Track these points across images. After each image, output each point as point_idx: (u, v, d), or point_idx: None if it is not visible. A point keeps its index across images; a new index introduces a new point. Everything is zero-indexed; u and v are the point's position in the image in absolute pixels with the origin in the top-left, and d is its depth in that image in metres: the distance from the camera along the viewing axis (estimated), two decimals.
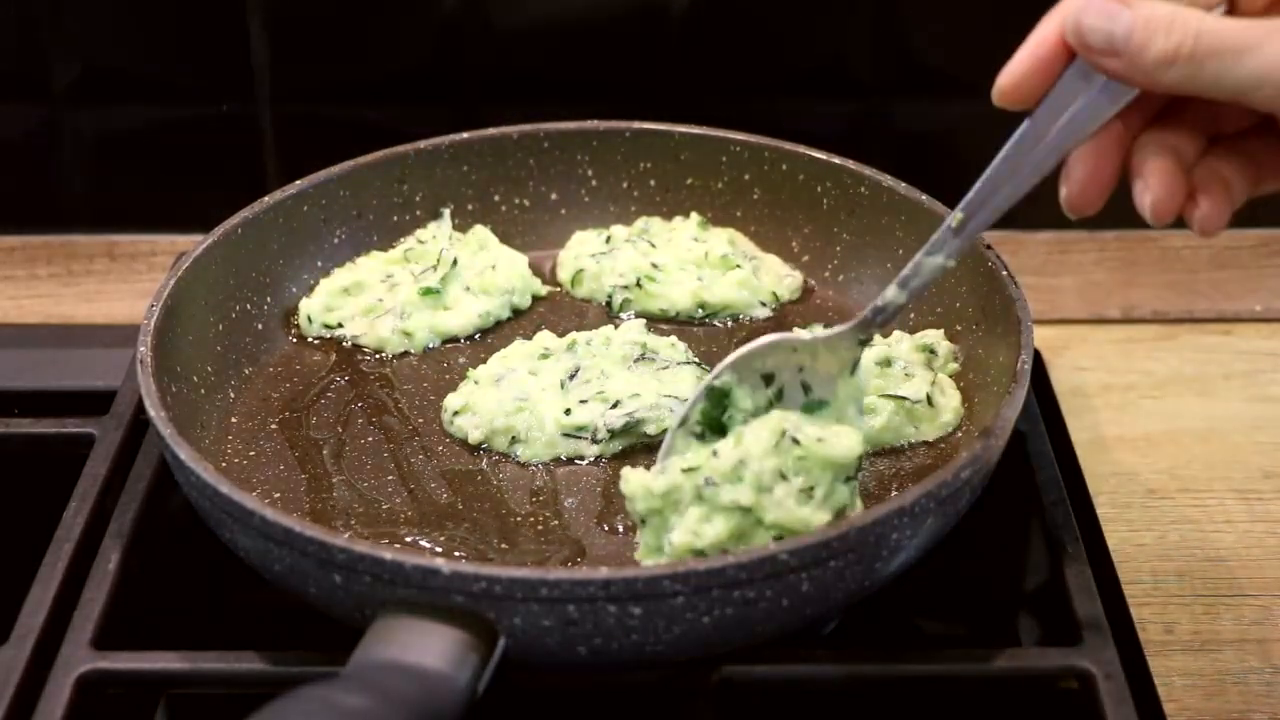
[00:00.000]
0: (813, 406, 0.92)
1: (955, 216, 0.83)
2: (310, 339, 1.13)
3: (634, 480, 0.90)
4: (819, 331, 0.92)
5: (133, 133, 1.33)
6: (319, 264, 1.16)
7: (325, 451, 1.03)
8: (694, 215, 1.19)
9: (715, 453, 0.88)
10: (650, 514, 0.90)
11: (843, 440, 0.88)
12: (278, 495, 0.99)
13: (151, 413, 0.93)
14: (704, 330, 1.14)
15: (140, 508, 1.00)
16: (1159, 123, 0.82)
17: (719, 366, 0.92)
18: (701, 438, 0.92)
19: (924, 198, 1.11)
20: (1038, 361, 1.14)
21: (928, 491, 0.86)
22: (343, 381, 1.09)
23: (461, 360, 1.11)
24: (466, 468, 1.01)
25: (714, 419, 0.92)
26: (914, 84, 1.30)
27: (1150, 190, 0.81)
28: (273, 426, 1.05)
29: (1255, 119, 0.81)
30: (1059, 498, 1.00)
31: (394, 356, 1.11)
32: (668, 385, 1.05)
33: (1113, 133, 0.81)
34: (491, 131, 1.20)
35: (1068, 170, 0.82)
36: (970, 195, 0.83)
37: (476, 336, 1.13)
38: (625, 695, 0.90)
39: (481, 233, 1.18)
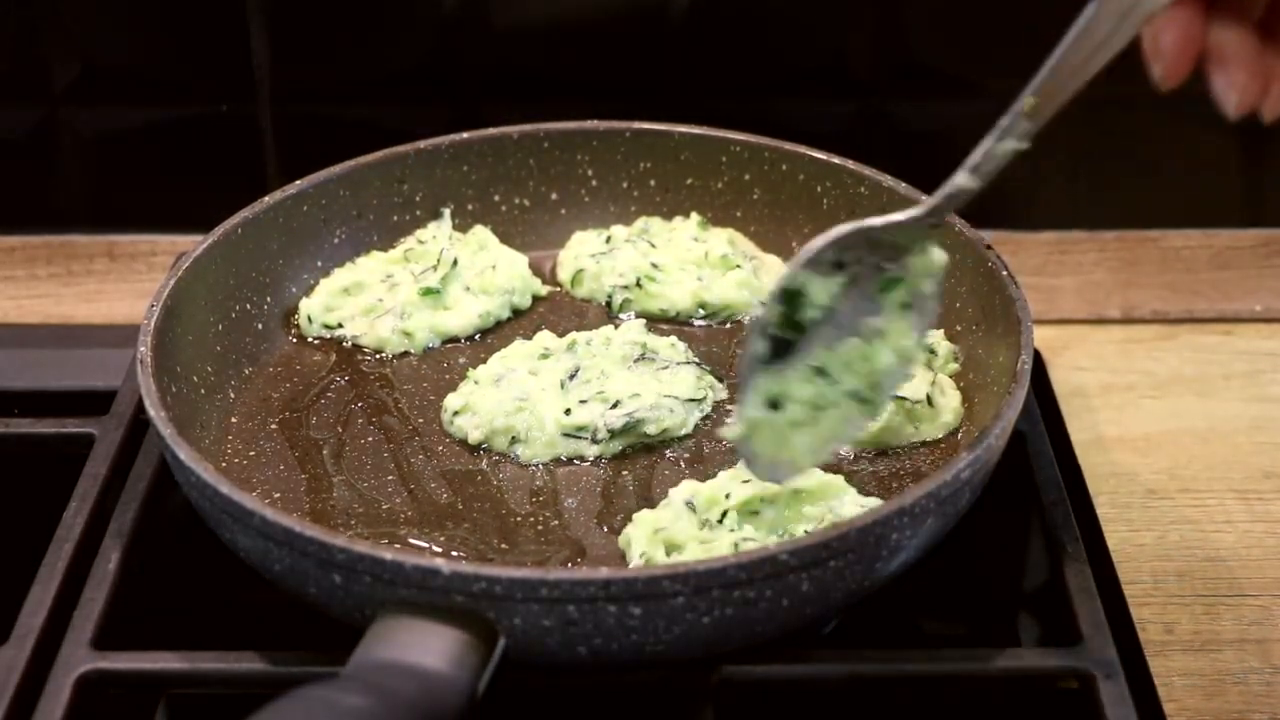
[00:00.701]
0: (888, 285, 0.89)
1: (1026, 101, 0.80)
2: (310, 339, 1.13)
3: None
4: (892, 216, 0.89)
5: (133, 133, 1.33)
6: (319, 264, 1.16)
7: (325, 451, 1.03)
8: (694, 215, 1.19)
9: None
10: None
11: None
12: (278, 495, 0.99)
13: (151, 413, 0.93)
14: (704, 330, 1.14)
15: (140, 508, 1.00)
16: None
17: (791, 264, 0.88)
18: (778, 341, 0.89)
19: (924, 198, 1.10)
20: (1038, 361, 1.14)
21: (928, 491, 0.86)
22: (343, 381, 1.09)
23: (461, 360, 1.11)
24: (466, 468, 1.01)
25: (789, 318, 0.90)
26: (914, 84, 1.30)
27: (1234, 83, 0.76)
28: (273, 426, 1.05)
29: None
30: (1059, 498, 1.00)
31: (394, 356, 1.11)
32: (668, 385, 1.05)
33: (1192, 6, 0.77)
34: (491, 131, 1.20)
35: (1154, 44, 0.77)
36: (1041, 77, 0.79)
37: (476, 336, 1.13)
38: (625, 695, 0.90)
39: (481, 233, 1.18)
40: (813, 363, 0.90)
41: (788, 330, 0.90)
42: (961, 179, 0.84)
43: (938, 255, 0.88)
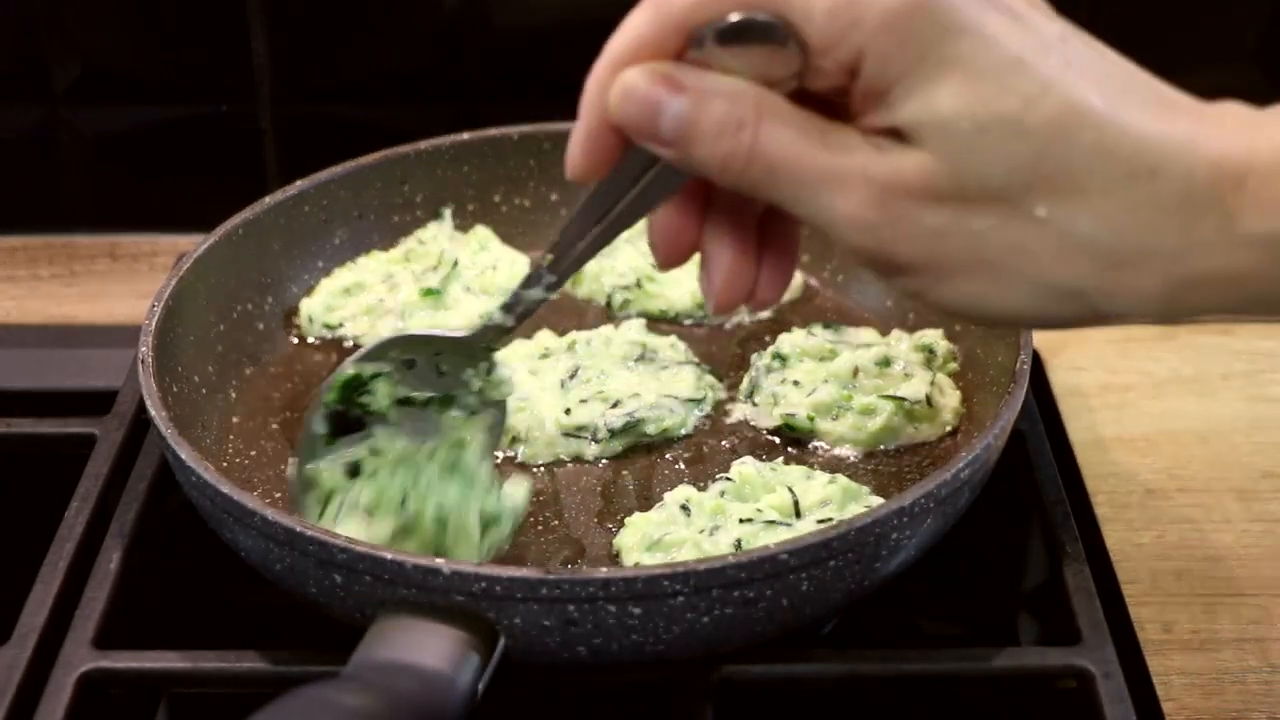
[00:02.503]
0: (445, 402, 0.91)
1: (546, 256, 0.81)
2: (311, 339, 1.13)
3: None
4: (448, 331, 0.93)
5: (133, 133, 1.33)
6: (320, 264, 1.16)
7: None
8: None
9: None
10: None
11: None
12: (278, 495, 0.99)
13: (152, 413, 0.93)
14: (704, 330, 1.14)
15: (141, 508, 1.00)
16: (722, 200, 0.76)
17: (351, 358, 0.90)
18: (333, 423, 0.90)
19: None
20: (1036, 362, 1.14)
21: (927, 491, 0.86)
22: None
23: None
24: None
25: (349, 403, 0.91)
26: None
27: (712, 286, 0.76)
28: (274, 426, 1.05)
29: None
30: (1058, 497, 1.00)
31: None
32: (668, 385, 1.05)
33: (685, 202, 0.76)
34: (492, 131, 1.20)
35: (649, 232, 0.77)
36: (555, 240, 0.80)
37: None
38: (625, 695, 0.90)
39: (482, 233, 1.19)
40: (352, 458, 0.91)
41: (352, 410, 0.91)
42: (497, 317, 0.86)
43: (501, 372, 0.91)
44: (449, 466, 0.91)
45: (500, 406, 0.92)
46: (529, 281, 0.83)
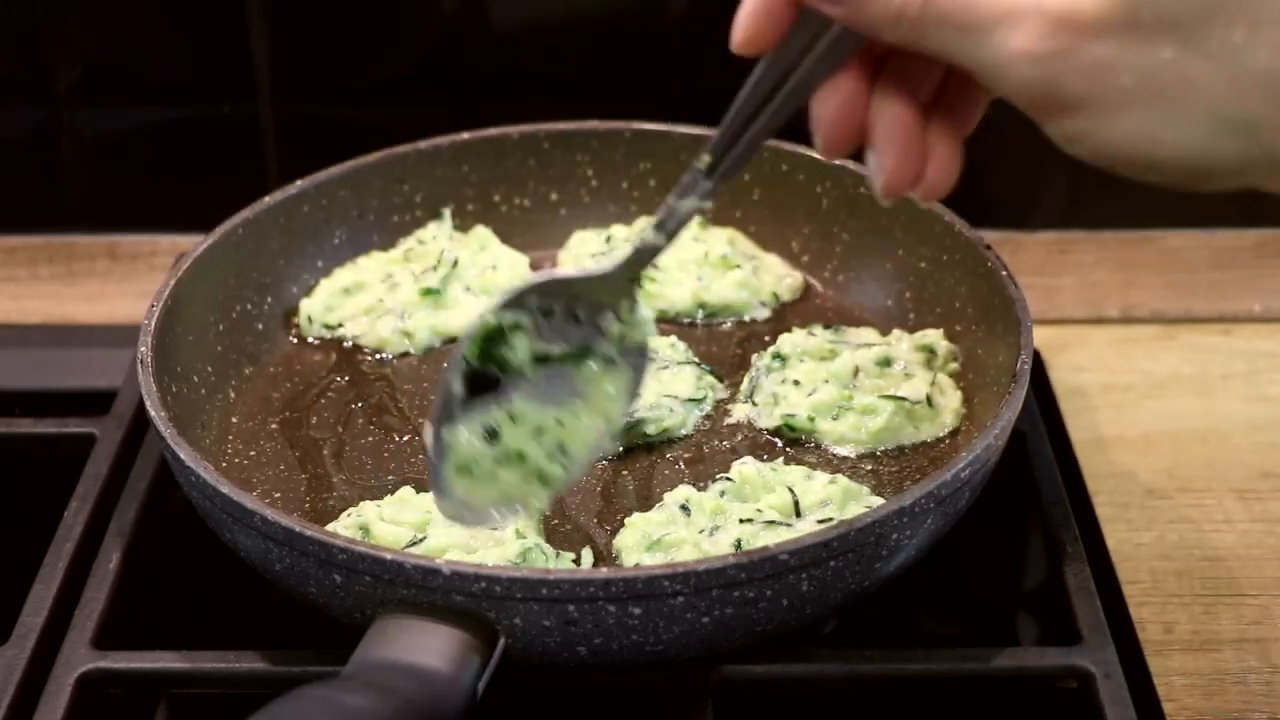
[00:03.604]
0: (581, 354, 0.88)
1: (703, 159, 0.80)
2: (310, 339, 1.13)
3: None
4: (588, 269, 0.89)
5: (133, 133, 1.33)
6: (319, 264, 1.16)
7: (325, 451, 1.03)
8: None
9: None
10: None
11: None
12: (278, 495, 0.99)
13: (152, 413, 0.93)
14: (704, 330, 1.14)
15: (141, 508, 1.00)
16: (893, 73, 0.76)
17: (490, 306, 0.86)
18: (472, 378, 0.87)
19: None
20: (1037, 362, 1.14)
21: (928, 491, 0.86)
22: (343, 381, 1.09)
23: None
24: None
25: (486, 358, 0.87)
26: None
27: (883, 165, 0.75)
28: (273, 426, 1.05)
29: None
30: (1058, 498, 1.00)
31: (394, 356, 1.12)
32: (668, 385, 1.05)
33: (855, 76, 0.75)
34: (491, 131, 1.20)
35: (814, 113, 0.76)
36: (715, 138, 0.79)
37: None
38: (625, 695, 0.90)
39: (482, 233, 1.19)
40: (489, 422, 0.88)
41: (489, 366, 0.88)
42: (649, 236, 0.83)
43: (642, 311, 0.87)
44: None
45: (642, 352, 0.88)
46: (684, 190, 0.80)
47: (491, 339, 0.87)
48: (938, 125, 0.76)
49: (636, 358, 0.88)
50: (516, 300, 0.86)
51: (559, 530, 0.97)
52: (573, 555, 0.94)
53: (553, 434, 0.88)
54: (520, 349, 0.87)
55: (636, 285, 0.86)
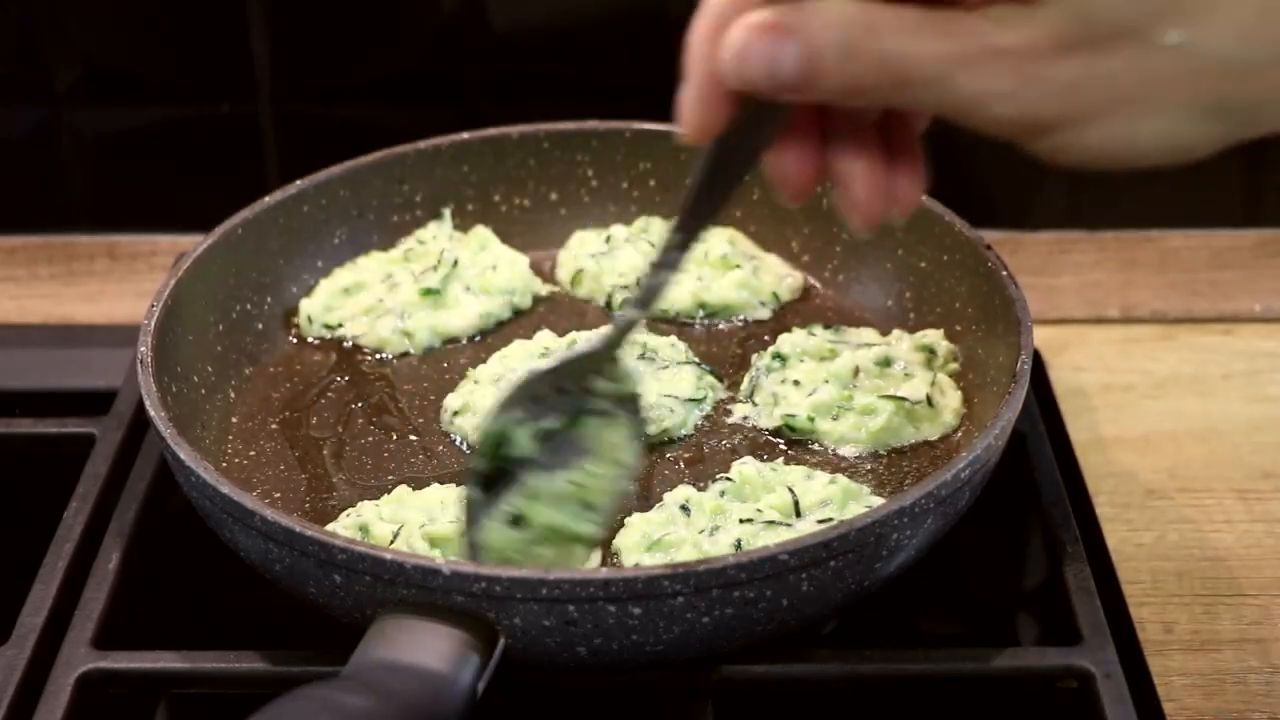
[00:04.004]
0: (578, 418, 0.88)
1: (676, 236, 0.80)
2: (310, 339, 1.13)
3: None
4: (572, 352, 0.89)
5: (133, 133, 1.33)
6: (319, 264, 1.16)
7: (325, 451, 1.03)
8: None
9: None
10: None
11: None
12: (278, 495, 0.99)
13: (152, 413, 0.93)
14: (704, 330, 1.14)
15: (140, 508, 1.00)
16: (839, 113, 0.76)
17: (487, 417, 0.88)
18: (484, 479, 0.88)
19: (923, 198, 1.11)
20: (1037, 362, 1.14)
21: (928, 491, 0.86)
22: (343, 381, 1.09)
23: (462, 360, 1.11)
24: (466, 468, 1.01)
25: (495, 456, 0.88)
26: None
27: (855, 202, 0.76)
28: (273, 426, 1.05)
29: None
30: (1058, 498, 1.00)
31: (394, 356, 1.12)
32: (668, 385, 1.05)
33: (804, 126, 0.76)
34: (491, 131, 1.20)
35: (775, 171, 0.77)
36: (680, 215, 0.80)
37: (477, 337, 1.13)
38: (625, 695, 0.90)
39: (482, 233, 1.19)
40: (512, 512, 0.88)
41: (498, 464, 0.88)
42: (631, 314, 0.84)
43: (626, 372, 0.88)
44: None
45: (633, 400, 0.88)
46: (660, 268, 0.81)
47: (496, 444, 0.87)
48: (895, 138, 0.77)
49: (631, 406, 0.89)
50: (510, 403, 0.87)
51: None
52: None
53: (573, 497, 0.88)
54: (523, 440, 0.88)
55: (616, 361, 0.87)
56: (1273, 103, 0.69)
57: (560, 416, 0.88)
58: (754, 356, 1.09)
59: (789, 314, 1.15)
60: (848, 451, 1.02)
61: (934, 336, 1.07)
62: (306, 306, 1.13)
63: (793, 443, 1.03)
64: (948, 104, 0.70)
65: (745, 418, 1.05)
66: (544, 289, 1.18)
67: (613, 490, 0.88)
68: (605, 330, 0.87)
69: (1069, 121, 0.69)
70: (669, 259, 0.81)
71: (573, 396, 0.88)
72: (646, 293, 0.83)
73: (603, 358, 0.87)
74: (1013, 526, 1.04)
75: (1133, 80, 0.68)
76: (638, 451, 0.89)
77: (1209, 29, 0.67)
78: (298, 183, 1.14)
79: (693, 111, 0.75)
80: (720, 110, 0.74)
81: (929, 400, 1.02)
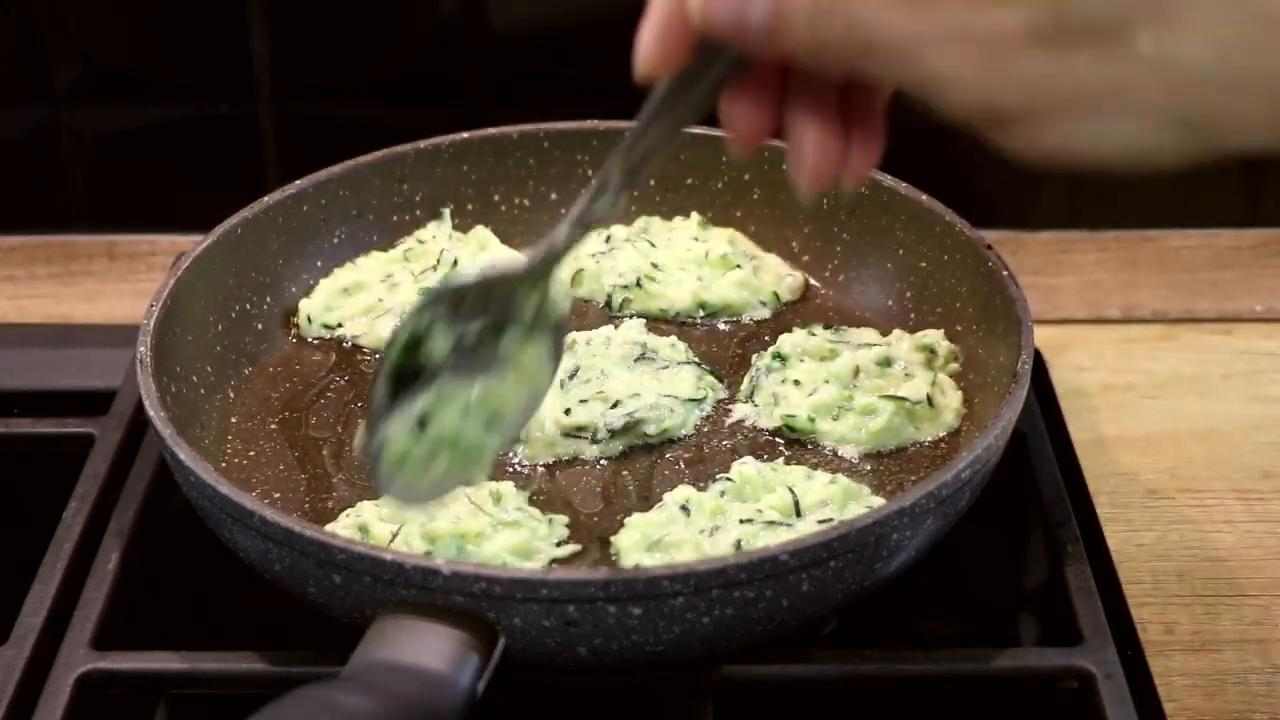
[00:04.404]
0: (498, 330, 0.87)
1: (616, 162, 0.80)
2: (310, 339, 1.13)
3: None
4: (503, 267, 0.87)
5: (133, 133, 1.33)
6: (319, 264, 1.16)
7: (325, 451, 1.03)
8: (694, 215, 1.19)
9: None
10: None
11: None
12: (277, 495, 0.99)
13: (151, 413, 0.93)
14: (704, 330, 1.14)
15: (140, 508, 1.00)
16: (801, 70, 0.75)
17: (402, 317, 0.86)
18: (396, 377, 0.86)
19: (924, 197, 1.11)
20: (1038, 361, 1.14)
21: (928, 491, 0.86)
22: (343, 381, 1.09)
23: None
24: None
25: (410, 356, 0.87)
26: None
27: (803, 165, 0.75)
28: (272, 426, 1.05)
29: None
30: (1059, 498, 1.00)
31: None
32: (668, 385, 1.05)
33: (763, 77, 0.75)
34: (491, 131, 1.20)
35: (727, 116, 0.76)
36: (624, 144, 0.80)
37: None
38: (625, 695, 0.90)
39: (482, 233, 1.18)
40: (416, 412, 0.87)
41: (414, 365, 0.87)
42: (562, 233, 0.83)
43: (557, 296, 0.87)
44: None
45: (559, 325, 0.88)
46: (597, 193, 0.81)
47: (412, 345, 0.86)
48: (855, 106, 0.76)
49: (556, 330, 0.88)
50: (428, 303, 0.86)
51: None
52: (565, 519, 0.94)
53: (479, 409, 0.88)
54: (439, 344, 0.86)
55: (548, 280, 0.86)
56: (1239, 123, 0.68)
57: (482, 327, 0.87)
58: (754, 356, 1.08)
59: (789, 314, 1.15)
60: (848, 451, 1.02)
61: (934, 336, 1.07)
62: (306, 306, 1.13)
63: (793, 443, 1.03)
64: (910, 79, 0.69)
65: (745, 418, 1.05)
66: None
67: (522, 407, 0.88)
68: (538, 248, 0.85)
69: (1031, 116, 0.68)
70: (606, 181, 0.80)
71: (497, 305, 0.87)
72: (580, 215, 0.82)
73: (535, 278, 0.86)
74: (1013, 526, 1.04)
75: (1101, 82, 0.68)
76: (553, 374, 0.88)
77: (1184, 39, 0.66)
78: (297, 183, 1.14)
79: (651, 47, 0.74)
80: (679, 50, 0.73)
81: (929, 400, 1.02)
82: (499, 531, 0.92)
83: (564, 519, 0.95)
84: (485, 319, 0.87)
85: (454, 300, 0.86)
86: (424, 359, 0.86)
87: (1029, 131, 0.69)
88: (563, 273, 0.86)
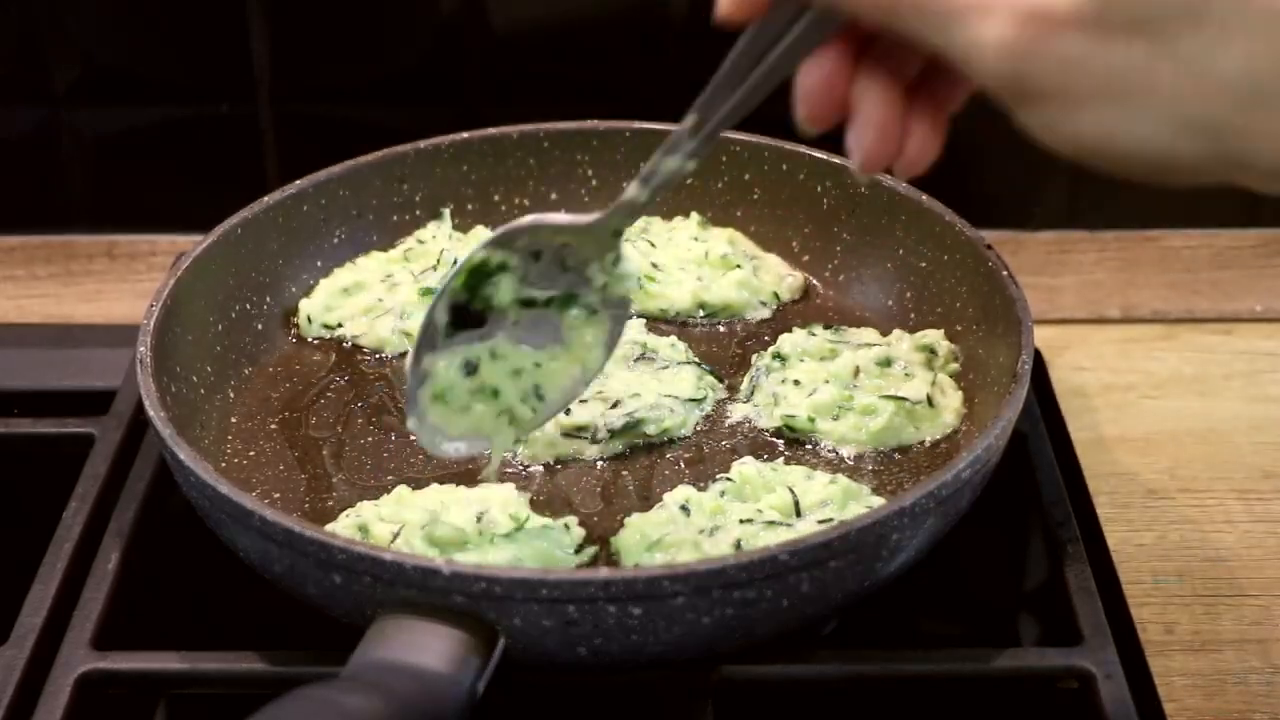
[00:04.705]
0: (566, 301, 0.90)
1: (690, 118, 0.81)
2: (310, 339, 1.13)
3: None
4: (574, 218, 0.89)
5: (133, 133, 1.33)
6: (319, 264, 1.16)
7: (325, 451, 1.03)
8: (694, 215, 1.19)
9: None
10: None
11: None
12: (277, 495, 0.99)
13: (151, 413, 0.93)
14: (704, 330, 1.14)
15: (140, 508, 1.00)
16: (878, 50, 0.77)
17: (480, 243, 0.89)
18: (458, 312, 0.89)
19: (924, 197, 1.11)
20: (1038, 361, 1.14)
21: (928, 491, 0.86)
22: (343, 381, 1.09)
23: None
24: (466, 468, 1.01)
25: (473, 293, 0.90)
26: None
27: (862, 143, 0.76)
28: (272, 426, 1.05)
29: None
30: (1059, 498, 1.00)
31: (394, 356, 1.11)
32: (668, 385, 1.05)
33: (840, 51, 0.77)
34: (491, 131, 1.20)
35: (798, 85, 0.77)
36: (702, 98, 0.81)
37: None
38: (625, 695, 0.90)
39: (482, 233, 1.18)
40: (471, 356, 0.90)
41: (475, 302, 0.90)
42: (633, 191, 0.85)
43: (626, 265, 0.89)
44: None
45: (624, 305, 0.90)
46: (671, 148, 0.82)
47: (479, 274, 0.89)
48: (921, 103, 0.77)
49: (618, 309, 0.91)
50: (506, 239, 0.88)
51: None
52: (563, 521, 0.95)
53: (530, 376, 0.91)
54: (505, 288, 0.89)
55: (620, 238, 0.88)
56: (1261, 139, 0.68)
57: (551, 290, 0.90)
58: (754, 356, 1.08)
59: (789, 314, 1.15)
60: (848, 451, 1.02)
61: (934, 336, 1.07)
62: (306, 306, 1.13)
63: (793, 443, 1.03)
64: (952, 45, 0.70)
65: (745, 418, 1.05)
66: None
67: (568, 388, 0.91)
68: (609, 209, 0.86)
69: (1060, 97, 0.69)
70: (683, 144, 0.81)
71: (569, 276, 0.89)
72: (655, 174, 0.83)
73: (605, 241, 0.88)
74: (1013, 526, 1.04)
75: (1135, 75, 0.68)
76: (605, 359, 0.91)
77: (1224, 48, 0.67)
78: (297, 183, 1.14)
79: None
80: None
81: (929, 400, 1.02)
82: (515, 540, 0.92)
83: (574, 520, 0.95)
84: (555, 290, 0.90)
85: (530, 247, 0.88)
86: (484, 301, 0.89)
87: (1052, 112, 0.70)
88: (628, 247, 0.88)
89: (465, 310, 0.90)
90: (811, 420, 1.02)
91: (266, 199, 1.12)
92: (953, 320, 1.08)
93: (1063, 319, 1.29)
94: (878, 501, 0.95)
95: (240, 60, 1.30)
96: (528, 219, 0.88)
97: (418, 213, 1.19)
